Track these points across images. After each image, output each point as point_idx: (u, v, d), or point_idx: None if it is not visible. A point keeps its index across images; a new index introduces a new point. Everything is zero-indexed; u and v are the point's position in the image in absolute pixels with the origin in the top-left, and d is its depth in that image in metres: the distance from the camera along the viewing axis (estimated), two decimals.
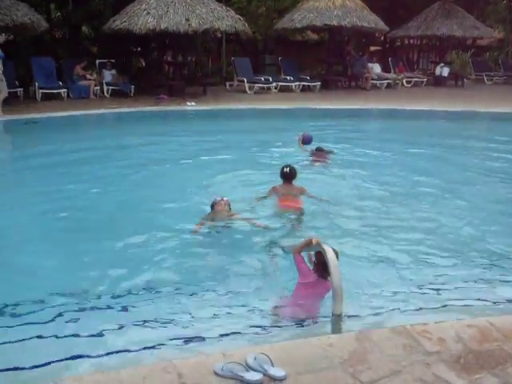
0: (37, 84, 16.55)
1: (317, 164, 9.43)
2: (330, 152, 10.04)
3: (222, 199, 6.26)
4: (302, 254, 4.60)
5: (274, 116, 15.77)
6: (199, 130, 13.16)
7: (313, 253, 4.61)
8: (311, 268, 4.50)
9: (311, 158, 9.63)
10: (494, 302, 4.52)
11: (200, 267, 5.15)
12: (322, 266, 4.24)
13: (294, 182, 7.02)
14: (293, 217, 6.66)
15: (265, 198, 6.98)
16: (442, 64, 24.39)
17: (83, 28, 20.85)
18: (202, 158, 9.99)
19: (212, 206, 6.22)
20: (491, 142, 12.44)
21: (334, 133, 12.61)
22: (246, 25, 18.53)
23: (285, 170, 7.01)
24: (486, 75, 25.60)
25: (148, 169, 9.24)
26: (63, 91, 16.82)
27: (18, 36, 18.13)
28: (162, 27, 16.72)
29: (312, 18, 20.70)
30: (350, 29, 21.10)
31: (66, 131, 12.46)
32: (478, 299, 4.56)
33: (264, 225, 6.24)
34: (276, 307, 4.42)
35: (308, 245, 4.54)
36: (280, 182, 7.01)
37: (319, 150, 9.81)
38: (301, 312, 4.31)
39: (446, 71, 23.84)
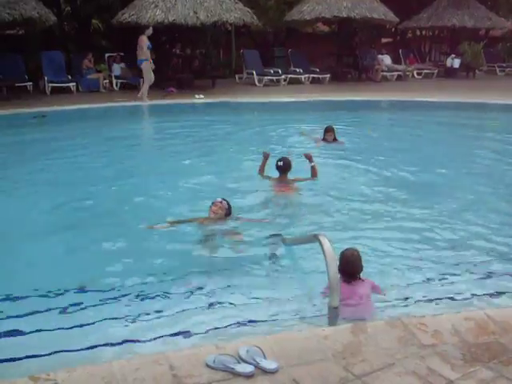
0: (46, 78, 16.61)
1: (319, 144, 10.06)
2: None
3: (215, 204, 5.73)
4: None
5: (281, 108, 15.66)
6: (205, 122, 13.10)
7: None
8: None
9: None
10: (494, 294, 4.46)
11: (194, 261, 5.12)
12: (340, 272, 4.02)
13: (289, 173, 7.25)
14: (287, 202, 6.82)
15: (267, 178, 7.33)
16: (452, 55, 24.11)
17: (93, 21, 20.88)
18: (207, 150, 10.00)
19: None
20: (502, 132, 12.28)
21: (340, 124, 12.50)
22: (255, 17, 18.42)
23: (278, 163, 7.25)
24: (498, 66, 25.28)
25: (151, 160, 9.29)
26: (72, 85, 16.89)
27: (27, 30, 18.17)
28: (170, 20, 16.66)
29: (321, 10, 20.50)
30: (359, 20, 20.93)
31: (73, 124, 12.46)
32: (477, 292, 4.49)
33: (262, 220, 6.11)
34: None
35: (306, 238, 4.52)
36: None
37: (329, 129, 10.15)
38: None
39: (457, 62, 23.54)
